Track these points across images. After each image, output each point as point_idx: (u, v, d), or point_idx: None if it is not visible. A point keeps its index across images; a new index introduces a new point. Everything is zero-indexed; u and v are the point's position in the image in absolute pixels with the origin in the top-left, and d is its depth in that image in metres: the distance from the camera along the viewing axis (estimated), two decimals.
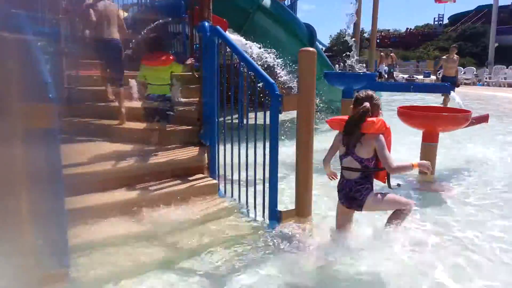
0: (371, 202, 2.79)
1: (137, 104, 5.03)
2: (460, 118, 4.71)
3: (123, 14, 8.50)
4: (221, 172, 3.87)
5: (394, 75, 20.35)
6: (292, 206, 3.40)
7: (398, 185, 2.97)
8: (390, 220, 2.92)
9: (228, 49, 3.61)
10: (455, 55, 9.65)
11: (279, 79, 6.06)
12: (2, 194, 1.94)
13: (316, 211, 3.55)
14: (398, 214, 2.90)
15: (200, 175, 3.94)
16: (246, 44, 6.25)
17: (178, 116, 4.70)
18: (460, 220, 3.66)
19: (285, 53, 6.72)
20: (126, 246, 2.87)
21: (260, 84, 3.24)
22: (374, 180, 2.89)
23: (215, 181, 3.85)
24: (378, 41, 20.32)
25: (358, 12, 6.21)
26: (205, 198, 3.68)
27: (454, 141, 6.67)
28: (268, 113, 3.11)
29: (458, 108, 5.59)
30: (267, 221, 3.31)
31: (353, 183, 2.79)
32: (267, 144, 3.17)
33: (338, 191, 2.90)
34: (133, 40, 5.75)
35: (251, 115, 3.66)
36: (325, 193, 4.02)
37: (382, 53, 21.03)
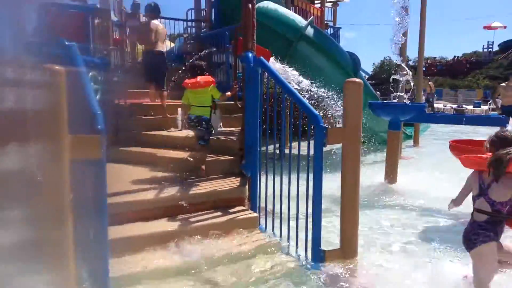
0: (482, 252, 2.53)
1: (180, 133, 5.12)
2: None
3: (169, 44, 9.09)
4: (262, 204, 3.77)
5: (434, 104, 19.72)
6: (337, 243, 3.23)
7: None
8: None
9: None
10: None
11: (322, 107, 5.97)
12: (50, 225, 1.93)
13: (363, 251, 3.34)
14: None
15: (241, 207, 3.85)
16: (288, 71, 6.25)
17: (220, 146, 4.71)
18: None
19: (329, 82, 6.64)
20: (165, 279, 2.82)
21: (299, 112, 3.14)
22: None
23: (255, 214, 3.74)
24: (424, 69, 19.82)
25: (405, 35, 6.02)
26: (245, 232, 3.56)
27: None
28: (312, 144, 3.00)
29: None
30: (309, 260, 3.14)
31: (476, 225, 2.58)
32: (310, 176, 3.04)
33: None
34: (179, 71, 6.00)
35: (294, 145, 3.54)
36: (372, 232, 3.81)
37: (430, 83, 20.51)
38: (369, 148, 8.12)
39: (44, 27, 4.72)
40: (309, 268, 3.06)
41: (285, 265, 3.11)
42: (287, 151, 3.61)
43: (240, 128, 5.18)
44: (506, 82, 9.24)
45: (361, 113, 2.98)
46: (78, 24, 5.06)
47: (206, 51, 6.95)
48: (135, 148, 4.95)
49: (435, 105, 21.66)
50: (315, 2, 11.96)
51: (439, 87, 39.82)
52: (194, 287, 2.78)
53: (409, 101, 5.61)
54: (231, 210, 3.77)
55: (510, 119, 6.36)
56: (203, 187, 3.90)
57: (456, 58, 45.31)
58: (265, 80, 3.74)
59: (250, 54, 3.81)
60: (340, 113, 6.66)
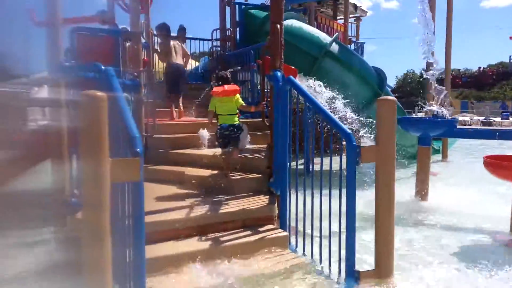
0: None
1: (207, 151, 5.17)
2: None
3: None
4: (292, 223, 3.73)
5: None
6: (367, 261, 3.14)
7: None
8: None
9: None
10: None
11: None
12: (90, 246, 1.96)
13: (398, 271, 3.24)
14: None
15: (270, 226, 3.83)
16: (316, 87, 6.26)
17: (248, 164, 4.71)
18: None
19: (355, 97, 6.60)
20: None
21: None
22: None
23: (285, 233, 3.70)
24: None
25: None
26: (275, 252, 3.53)
27: None
28: (343, 159, 2.96)
29: None
30: (343, 281, 3.06)
31: None
32: (343, 193, 2.99)
33: None
34: (205, 90, 6.28)
35: (325, 161, 3.50)
36: (408, 252, 3.71)
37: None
38: (396, 164, 7.96)
39: (78, 51, 4.90)
40: None
41: (317, 286, 3.04)
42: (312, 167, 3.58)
43: (266, 145, 5.21)
44: None
45: (395, 130, 2.94)
46: (109, 47, 5.22)
47: (231, 69, 7.05)
48: (163, 167, 5.02)
49: (461, 118, 21.18)
50: (338, 18, 12.00)
51: (465, 99, 39.04)
52: None
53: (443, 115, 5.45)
54: (260, 229, 3.75)
55: None
56: (232, 206, 3.90)
57: (481, 69, 44.35)
58: (294, 98, 3.74)
59: (278, 73, 3.83)
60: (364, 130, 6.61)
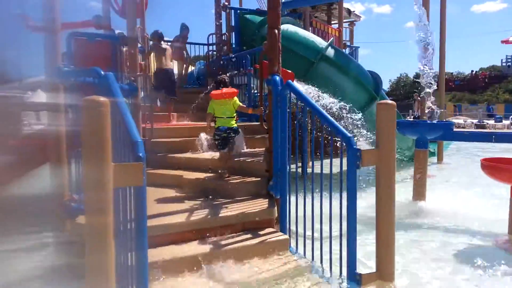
0: None
1: (204, 155, 5.16)
2: None
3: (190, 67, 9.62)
4: (292, 226, 3.73)
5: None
6: (367, 263, 3.14)
7: None
8: None
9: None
10: None
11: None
12: (94, 250, 1.95)
13: (399, 274, 3.24)
14: None
15: (270, 230, 3.82)
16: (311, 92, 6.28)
17: (246, 167, 4.71)
18: None
19: (351, 101, 6.63)
20: None
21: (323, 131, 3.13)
22: None
23: (286, 236, 3.70)
24: None
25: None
26: (276, 255, 3.53)
27: None
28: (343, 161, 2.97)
29: None
30: (344, 284, 3.06)
31: None
32: (343, 195, 3.00)
33: None
34: (200, 94, 6.35)
35: (324, 163, 3.51)
36: (408, 254, 3.72)
37: (419, 97, 20.32)
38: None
39: (75, 56, 4.89)
40: None
41: None
42: (309, 170, 3.59)
43: (264, 149, 5.21)
44: None
45: (395, 134, 2.95)
46: (106, 52, 5.22)
47: (228, 73, 7.05)
48: (161, 170, 5.00)
49: (455, 121, 21.37)
50: (332, 22, 12.08)
51: (458, 102, 39.39)
52: None
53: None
54: (260, 233, 3.74)
55: None
56: (231, 209, 3.88)
57: (474, 72, 44.82)
58: (293, 102, 3.75)
59: (277, 78, 3.84)
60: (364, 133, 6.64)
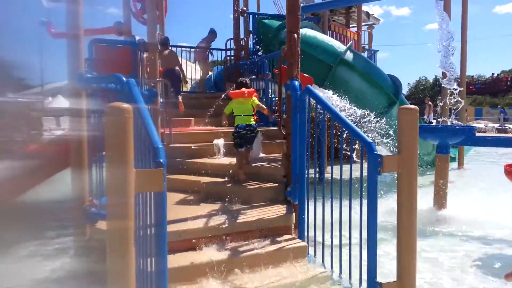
0: None
1: (222, 161, 5.17)
2: None
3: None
4: (311, 232, 3.69)
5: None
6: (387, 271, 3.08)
7: None
8: None
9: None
10: None
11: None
12: (115, 255, 1.96)
13: (421, 284, 3.17)
14: None
15: (288, 236, 3.79)
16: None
17: (264, 173, 4.70)
18: None
19: (371, 105, 6.56)
20: None
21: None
22: None
23: (304, 243, 3.66)
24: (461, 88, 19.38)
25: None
26: (294, 262, 3.50)
27: None
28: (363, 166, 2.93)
29: None
30: None
31: None
32: (356, 202, 2.96)
33: None
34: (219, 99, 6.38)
35: (344, 169, 3.46)
36: (429, 263, 3.64)
37: (430, 102, 20.11)
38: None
39: (96, 62, 4.97)
40: None
41: None
42: (328, 176, 3.55)
43: (281, 154, 5.19)
44: None
45: (417, 139, 2.89)
46: (127, 58, 5.30)
47: (247, 78, 7.08)
48: (179, 176, 5.02)
49: (476, 125, 20.95)
50: (351, 26, 12.00)
51: (479, 106, 38.53)
52: None
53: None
54: (278, 239, 3.71)
55: None
56: (249, 215, 3.87)
57: (496, 75, 43.78)
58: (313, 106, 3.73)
59: (296, 83, 3.83)
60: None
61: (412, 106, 2.92)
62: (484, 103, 39.89)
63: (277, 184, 4.45)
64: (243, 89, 4.65)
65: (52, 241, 3.87)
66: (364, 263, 2.98)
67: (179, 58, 8.56)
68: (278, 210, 4.02)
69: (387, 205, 4.59)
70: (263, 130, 6.17)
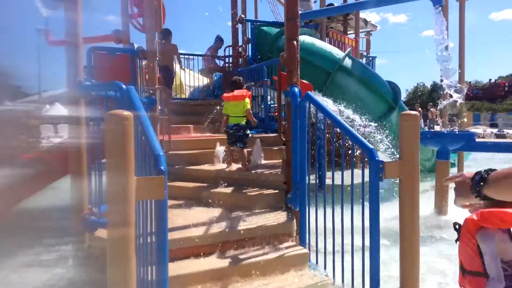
0: None
1: (222, 167, 5.14)
2: None
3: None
4: (312, 239, 3.66)
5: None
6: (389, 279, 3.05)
7: None
8: None
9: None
10: None
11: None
12: (115, 263, 1.93)
13: None
14: None
15: (290, 243, 3.76)
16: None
17: (264, 180, 4.68)
18: None
19: (370, 112, 6.56)
20: None
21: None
22: None
23: (305, 250, 3.63)
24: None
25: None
26: (295, 270, 3.46)
27: None
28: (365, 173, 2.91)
29: None
30: None
31: None
32: (358, 208, 2.93)
33: None
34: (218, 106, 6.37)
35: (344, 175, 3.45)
36: (432, 269, 3.60)
37: (419, 109, 20.36)
38: None
39: (95, 69, 4.97)
40: None
41: None
42: (329, 182, 3.53)
43: (281, 160, 5.17)
44: None
45: (419, 145, 2.88)
46: (125, 65, 5.29)
47: (245, 85, 7.08)
48: (178, 183, 4.99)
49: (474, 130, 20.99)
50: (348, 33, 12.06)
51: (477, 112, 38.66)
52: None
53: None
54: (279, 246, 3.68)
55: None
56: (249, 222, 3.84)
57: (494, 81, 44.00)
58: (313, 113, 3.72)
59: (296, 89, 3.82)
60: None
61: (413, 112, 2.92)
62: (482, 108, 40.02)
63: (277, 191, 4.43)
64: (235, 91, 4.97)
65: (51, 249, 3.82)
66: (367, 269, 2.95)
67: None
68: (278, 217, 3.99)
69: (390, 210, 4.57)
70: (262, 136, 6.17)
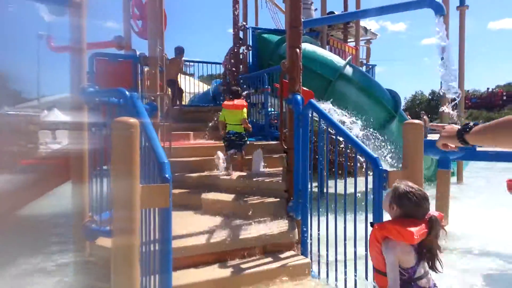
0: None
1: (223, 175, 5.12)
2: None
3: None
4: (314, 248, 3.63)
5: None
6: None
7: None
8: None
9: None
10: None
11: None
12: (120, 271, 1.91)
13: None
14: None
15: (291, 253, 3.73)
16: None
17: (265, 188, 4.65)
18: None
19: (370, 119, 6.57)
20: None
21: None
22: None
23: (307, 260, 3.60)
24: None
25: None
26: (297, 280, 3.42)
27: None
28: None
29: None
30: None
31: None
32: (362, 217, 2.91)
33: None
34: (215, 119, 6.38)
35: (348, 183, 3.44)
36: (438, 280, 3.56)
37: (408, 116, 20.26)
38: None
39: (97, 75, 4.96)
40: None
41: None
42: (332, 191, 3.51)
43: (281, 168, 5.15)
44: None
45: (422, 154, 2.88)
46: (128, 72, 5.29)
47: (246, 92, 7.09)
48: (179, 190, 4.96)
49: None
50: (349, 41, 12.11)
51: (475, 121, 38.73)
52: None
53: None
54: (281, 256, 3.65)
55: None
56: (251, 231, 3.80)
57: (492, 90, 44.22)
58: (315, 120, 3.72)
59: (298, 97, 3.82)
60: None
61: (417, 121, 2.92)
62: (480, 117, 40.15)
63: (278, 199, 4.40)
64: (235, 100, 5.35)
65: (52, 257, 3.78)
66: (370, 279, 2.93)
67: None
68: (280, 225, 3.96)
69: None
70: (262, 144, 6.16)
